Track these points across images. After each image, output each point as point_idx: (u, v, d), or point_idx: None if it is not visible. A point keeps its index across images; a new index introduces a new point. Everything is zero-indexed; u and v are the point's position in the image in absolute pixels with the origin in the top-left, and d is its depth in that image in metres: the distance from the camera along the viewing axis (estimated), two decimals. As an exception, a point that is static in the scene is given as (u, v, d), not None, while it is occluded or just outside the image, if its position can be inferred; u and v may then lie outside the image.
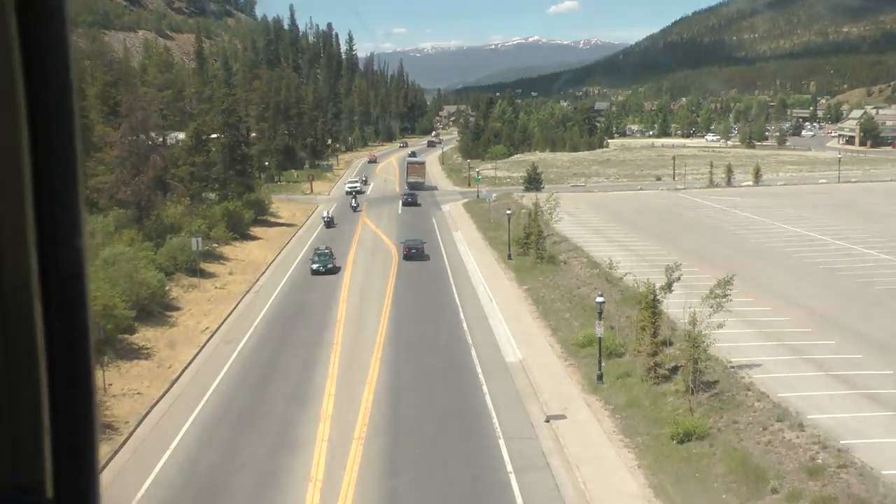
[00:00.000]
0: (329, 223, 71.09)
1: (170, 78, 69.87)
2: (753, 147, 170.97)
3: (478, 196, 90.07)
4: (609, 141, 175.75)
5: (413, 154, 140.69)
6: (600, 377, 30.21)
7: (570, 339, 36.04)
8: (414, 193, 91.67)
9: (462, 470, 23.68)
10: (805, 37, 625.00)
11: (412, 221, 73.33)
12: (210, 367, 33.93)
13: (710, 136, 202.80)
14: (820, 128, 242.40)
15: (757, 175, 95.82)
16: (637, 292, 36.27)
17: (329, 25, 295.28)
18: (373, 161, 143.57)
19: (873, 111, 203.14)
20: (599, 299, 30.72)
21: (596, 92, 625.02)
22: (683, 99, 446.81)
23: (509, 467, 23.70)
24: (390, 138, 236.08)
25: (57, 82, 1.42)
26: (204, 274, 50.38)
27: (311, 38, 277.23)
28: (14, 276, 1.29)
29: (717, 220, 68.42)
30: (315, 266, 50.76)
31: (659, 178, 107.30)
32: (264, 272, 53.41)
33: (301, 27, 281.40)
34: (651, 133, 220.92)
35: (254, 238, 65.47)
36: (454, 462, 24.19)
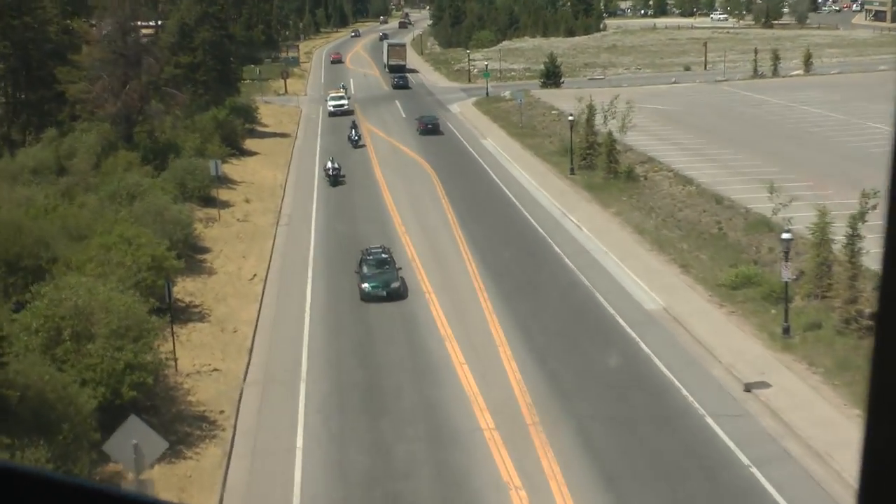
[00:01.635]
0: (336, 178, 52.08)
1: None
2: (772, 27, 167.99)
3: (487, 94, 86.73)
4: (605, 23, 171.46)
5: (386, 36, 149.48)
6: (786, 330, 27.85)
7: (711, 278, 33.59)
8: (404, 76, 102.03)
9: (692, 466, 21.31)
10: None
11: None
12: (285, 330, 30.94)
13: (715, 15, 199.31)
14: (834, 1, 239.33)
15: (807, 62, 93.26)
16: (760, 217, 34.05)
17: None
18: (338, 61, 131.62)
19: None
20: (786, 235, 28.06)
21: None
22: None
23: (744, 459, 21.37)
24: (343, 23, 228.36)
25: None
26: (216, 203, 46.87)
27: None
28: None
29: (791, 119, 65.95)
30: (368, 287, 32.66)
31: (688, 68, 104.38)
32: (283, 197, 49.92)
33: None
34: (645, 12, 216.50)
35: (251, 153, 61.53)
36: (675, 454, 21.81)
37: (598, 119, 53.47)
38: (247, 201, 48.36)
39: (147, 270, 29.33)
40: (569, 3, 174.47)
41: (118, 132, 48.53)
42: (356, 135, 64.05)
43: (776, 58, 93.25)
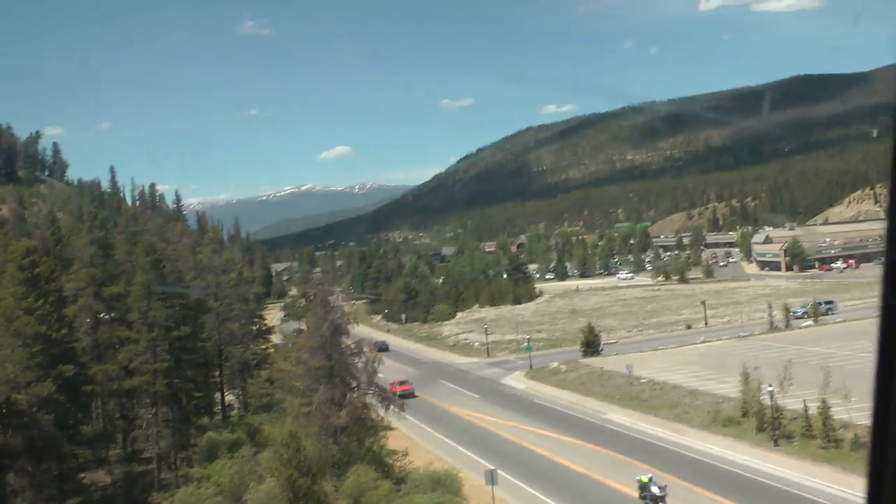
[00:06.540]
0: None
1: (228, 258, 60.88)
2: (688, 282, 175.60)
3: (531, 367, 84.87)
4: (539, 288, 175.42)
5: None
6: None
7: None
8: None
9: None
10: (592, 166, 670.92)
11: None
12: None
13: (621, 274, 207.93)
14: (713, 255, 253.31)
15: (816, 313, 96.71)
16: None
17: (152, 186, 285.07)
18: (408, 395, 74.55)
19: (765, 233, 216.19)
20: None
21: (397, 236, 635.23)
22: (522, 237, 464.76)
23: None
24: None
25: None
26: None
27: (128, 199, 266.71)
28: None
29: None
30: None
31: (689, 326, 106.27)
32: None
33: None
34: (549, 276, 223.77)
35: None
36: None
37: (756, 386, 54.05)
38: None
39: None
40: (505, 275, 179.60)
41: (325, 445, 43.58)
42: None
43: (787, 311, 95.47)
